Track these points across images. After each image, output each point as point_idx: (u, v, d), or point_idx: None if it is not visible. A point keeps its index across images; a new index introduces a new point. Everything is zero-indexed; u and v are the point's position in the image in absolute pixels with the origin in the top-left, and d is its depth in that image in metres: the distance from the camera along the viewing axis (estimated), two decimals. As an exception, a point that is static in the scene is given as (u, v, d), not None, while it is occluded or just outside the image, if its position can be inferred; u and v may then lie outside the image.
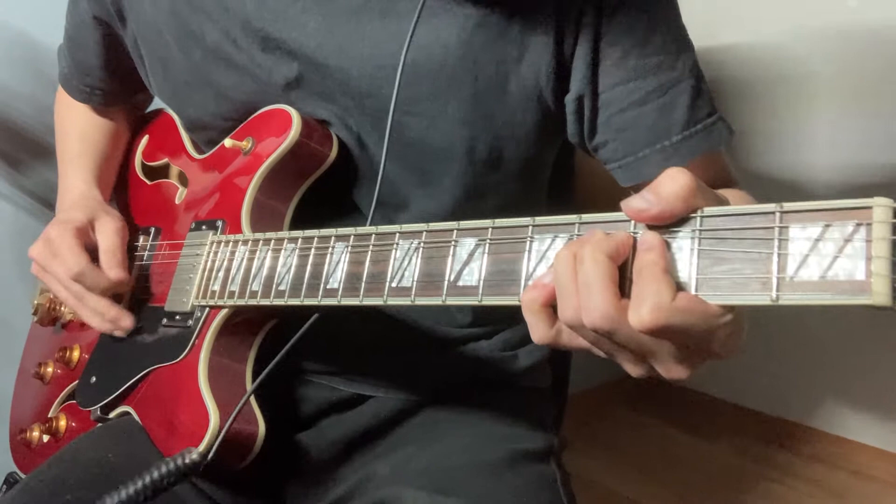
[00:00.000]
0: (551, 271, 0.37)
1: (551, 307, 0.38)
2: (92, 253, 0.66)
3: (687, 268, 0.34)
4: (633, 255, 0.36)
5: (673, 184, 0.35)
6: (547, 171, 0.69)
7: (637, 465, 1.61)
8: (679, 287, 0.34)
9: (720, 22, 1.57)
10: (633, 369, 0.38)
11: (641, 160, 0.59)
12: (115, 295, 0.67)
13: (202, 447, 0.52)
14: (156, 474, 0.45)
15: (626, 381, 1.95)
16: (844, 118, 1.47)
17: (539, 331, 0.38)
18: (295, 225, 0.63)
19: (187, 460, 0.46)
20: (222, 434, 0.52)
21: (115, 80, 0.77)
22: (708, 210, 0.34)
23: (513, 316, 0.73)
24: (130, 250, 0.72)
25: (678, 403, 1.77)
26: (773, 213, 0.32)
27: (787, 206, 0.32)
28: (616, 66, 0.57)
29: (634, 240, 0.36)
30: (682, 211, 0.35)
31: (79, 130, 0.79)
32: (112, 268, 0.65)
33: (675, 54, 0.58)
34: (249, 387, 0.58)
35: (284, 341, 0.54)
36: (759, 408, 1.74)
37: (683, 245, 0.35)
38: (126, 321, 0.64)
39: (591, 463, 1.55)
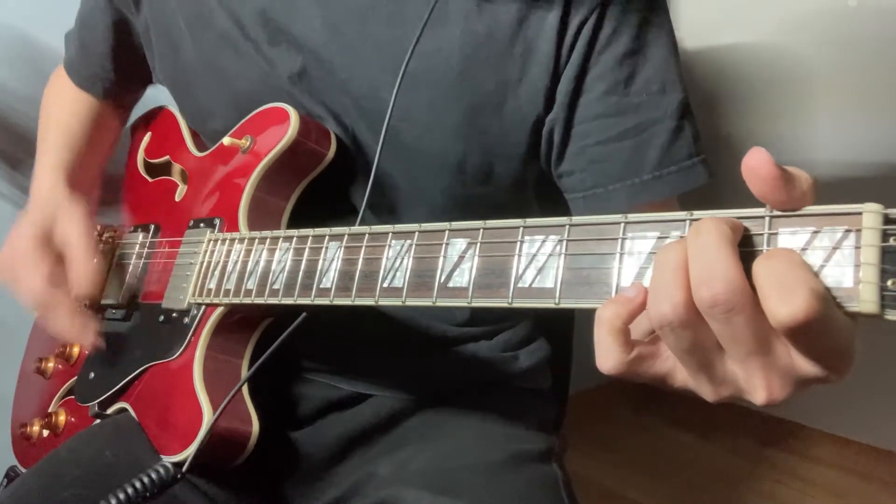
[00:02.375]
0: (634, 286, 0.34)
1: (630, 329, 0.34)
2: (56, 261, 0.64)
3: None
4: None
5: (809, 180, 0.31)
6: (535, 186, 0.69)
7: (637, 465, 1.60)
8: None
9: (720, 22, 1.56)
10: (716, 391, 0.33)
11: (611, 193, 0.58)
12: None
13: (182, 456, 0.52)
14: (130, 490, 0.45)
15: (626, 382, 1.93)
16: (844, 118, 1.47)
17: (614, 356, 0.33)
18: (293, 224, 0.63)
19: (162, 473, 0.46)
20: (203, 436, 0.52)
21: (117, 72, 0.77)
22: (697, 213, 0.34)
23: (510, 314, 0.73)
24: (127, 247, 0.72)
25: (678, 403, 1.76)
26: (763, 217, 0.32)
27: (777, 210, 0.31)
28: (599, 99, 0.57)
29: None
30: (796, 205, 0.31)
31: (58, 125, 0.78)
32: (80, 283, 0.62)
33: (658, 95, 0.58)
34: (245, 386, 0.58)
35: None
36: (759, 408, 1.73)
37: None
38: (88, 336, 0.62)
39: (591, 463, 1.54)
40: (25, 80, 0.96)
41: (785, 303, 0.28)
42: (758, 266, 0.29)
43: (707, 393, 0.34)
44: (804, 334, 0.28)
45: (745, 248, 0.31)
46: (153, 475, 0.47)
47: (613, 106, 0.57)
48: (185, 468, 0.50)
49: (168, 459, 0.54)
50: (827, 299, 0.28)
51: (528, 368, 0.72)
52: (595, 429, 1.67)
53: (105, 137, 0.82)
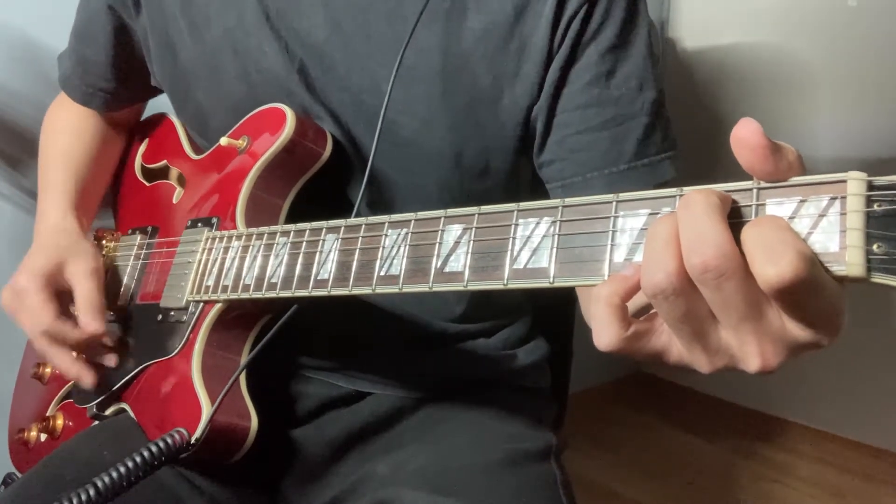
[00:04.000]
0: (630, 265, 0.34)
1: (627, 306, 0.34)
2: (64, 296, 0.65)
3: None
4: None
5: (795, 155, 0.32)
6: (529, 182, 0.69)
7: (637, 464, 1.60)
8: None
9: (720, 22, 1.58)
10: (711, 362, 0.34)
11: (588, 182, 0.60)
12: (111, 294, 0.67)
13: (193, 438, 0.52)
14: (146, 454, 0.45)
15: (626, 381, 1.95)
16: (844, 117, 1.48)
17: (611, 332, 0.34)
18: (290, 222, 0.64)
19: (176, 437, 0.47)
20: (208, 417, 0.52)
21: (118, 80, 0.77)
22: (686, 189, 0.34)
23: (508, 311, 0.74)
24: (125, 249, 0.72)
25: (678, 403, 1.77)
26: (751, 189, 0.32)
27: (765, 182, 0.32)
28: (581, 91, 0.59)
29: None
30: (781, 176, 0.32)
31: (61, 154, 0.78)
32: (89, 320, 0.63)
33: (636, 92, 0.60)
34: (243, 382, 0.58)
35: (279, 336, 0.54)
36: (759, 407, 1.74)
37: None
38: (87, 379, 0.63)
39: (591, 463, 1.54)
40: (25, 80, 0.96)
41: (773, 264, 0.28)
42: (746, 232, 0.30)
43: (702, 364, 0.34)
44: (792, 296, 0.29)
45: (735, 220, 0.32)
46: (168, 440, 0.47)
47: (595, 97, 0.59)
48: (200, 435, 0.50)
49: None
50: (813, 261, 0.29)
51: (527, 367, 0.73)
52: (595, 429, 1.67)
53: (108, 157, 0.82)
